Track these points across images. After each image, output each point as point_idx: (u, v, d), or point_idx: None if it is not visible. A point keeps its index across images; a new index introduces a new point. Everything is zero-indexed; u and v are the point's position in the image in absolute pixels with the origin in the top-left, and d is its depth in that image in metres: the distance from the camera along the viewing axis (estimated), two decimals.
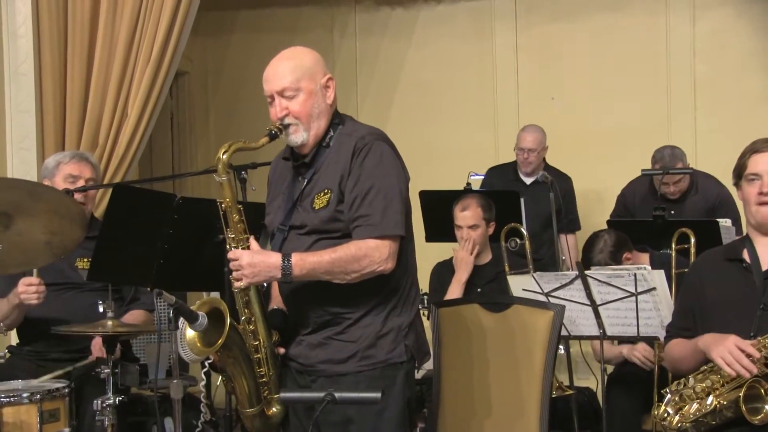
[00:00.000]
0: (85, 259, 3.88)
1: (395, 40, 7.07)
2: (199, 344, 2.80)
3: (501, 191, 5.37)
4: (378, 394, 2.50)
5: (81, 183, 4.03)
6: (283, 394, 2.76)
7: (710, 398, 2.88)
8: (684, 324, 3.13)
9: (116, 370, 3.46)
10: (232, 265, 2.81)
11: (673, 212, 5.23)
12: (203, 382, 4.03)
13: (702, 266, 3.20)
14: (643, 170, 5.26)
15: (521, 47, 6.81)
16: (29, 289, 3.67)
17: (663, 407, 3.00)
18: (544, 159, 5.81)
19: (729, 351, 2.81)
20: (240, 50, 7.26)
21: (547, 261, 5.39)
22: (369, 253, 2.75)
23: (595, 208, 6.21)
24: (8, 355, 3.91)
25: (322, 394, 2.46)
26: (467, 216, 4.65)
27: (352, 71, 7.10)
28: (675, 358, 3.15)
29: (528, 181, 5.71)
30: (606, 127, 6.57)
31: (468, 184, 5.50)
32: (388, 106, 7.03)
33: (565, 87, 6.70)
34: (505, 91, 6.82)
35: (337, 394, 2.46)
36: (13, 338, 4.15)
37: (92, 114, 5.03)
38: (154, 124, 5.19)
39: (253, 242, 2.84)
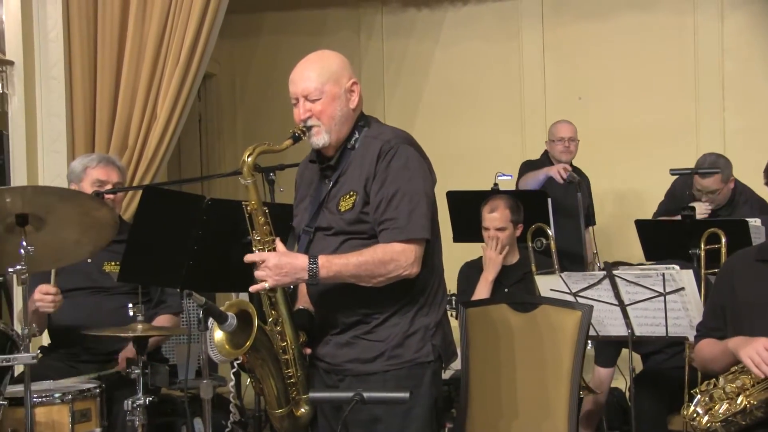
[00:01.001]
0: (113, 263, 3.87)
1: (422, 41, 7.08)
2: (227, 346, 2.80)
3: (529, 191, 5.35)
4: (406, 394, 2.50)
5: (108, 188, 4.00)
6: (312, 394, 2.76)
7: (740, 398, 2.86)
8: (714, 324, 3.11)
9: (146, 371, 3.48)
10: (258, 267, 2.82)
11: None
12: (232, 383, 4.06)
13: (733, 266, 3.17)
14: (671, 170, 5.21)
15: (548, 47, 6.80)
16: (46, 298, 3.66)
17: (692, 407, 2.98)
18: None
19: (757, 352, 2.80)
20: (267, 52, 7.30)
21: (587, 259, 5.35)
22: (395, 257, 2.75)
23: (621, 207, 6.19)
24: (40, 355, 3.94)
25: (350, 394, 2.47)
26: (495, 218, 4.63)
27: (379, 72, 7.11)
28: (705, 358, 3.13)
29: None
30: (633, 126, 6.54)
31: (495, 184, 5.48)
32: (415, 107, 7.03)
33: (592, 87, 6.67)
34: (532, 91, 6.81)
35: (365, 394, 2.46)
36: (45, 339, 4.19)
37: (121, 116, 5.09)
38: (183, 126, 5.24)
39: (279, 244, 2.84)
